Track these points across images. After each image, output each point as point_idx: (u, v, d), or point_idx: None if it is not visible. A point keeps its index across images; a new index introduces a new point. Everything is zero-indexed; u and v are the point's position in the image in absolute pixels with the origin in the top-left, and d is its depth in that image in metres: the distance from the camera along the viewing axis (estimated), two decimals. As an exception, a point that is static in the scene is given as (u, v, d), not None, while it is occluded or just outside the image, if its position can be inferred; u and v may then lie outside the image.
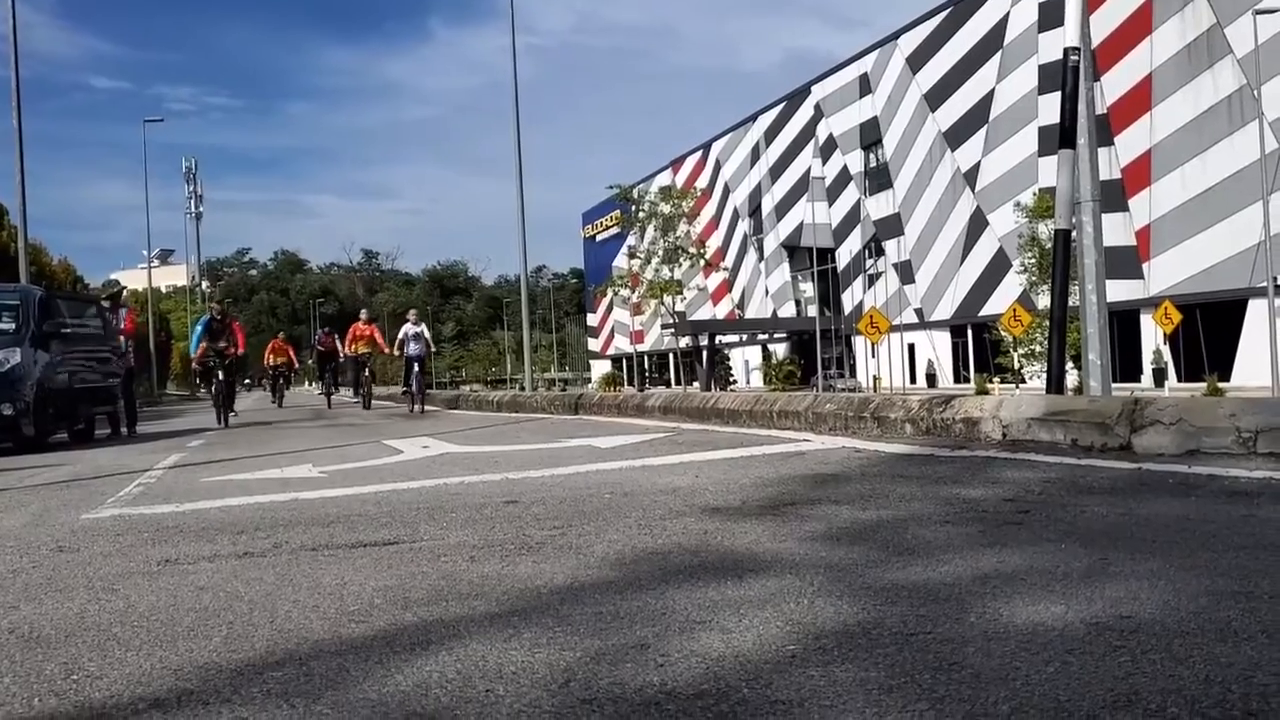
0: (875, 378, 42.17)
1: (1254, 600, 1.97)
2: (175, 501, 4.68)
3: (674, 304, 48.00)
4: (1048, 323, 8.02)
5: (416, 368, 16.91)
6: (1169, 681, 1.53)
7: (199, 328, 14.33)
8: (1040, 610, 1.97)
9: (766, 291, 58.09)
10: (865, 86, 49.49)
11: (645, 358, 68.96)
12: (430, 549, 3.01)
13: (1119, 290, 30.20)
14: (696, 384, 46.54)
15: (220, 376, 13.87)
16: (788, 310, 56.08)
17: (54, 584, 2.79)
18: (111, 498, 5.00)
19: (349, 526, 3.57)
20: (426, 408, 16.87)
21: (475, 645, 1.91)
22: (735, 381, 55.60)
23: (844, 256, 50.92)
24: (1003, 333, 33.01)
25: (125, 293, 18.22)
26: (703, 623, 1.99)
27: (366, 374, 18.71)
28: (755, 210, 58.83)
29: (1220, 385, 28.82)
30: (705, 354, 49.84)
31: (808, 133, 54.06)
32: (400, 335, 17.06)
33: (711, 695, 1.57)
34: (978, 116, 42.12)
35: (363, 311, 19.54)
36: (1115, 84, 34.95)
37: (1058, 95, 7.65)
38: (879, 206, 48.53)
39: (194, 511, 4.28)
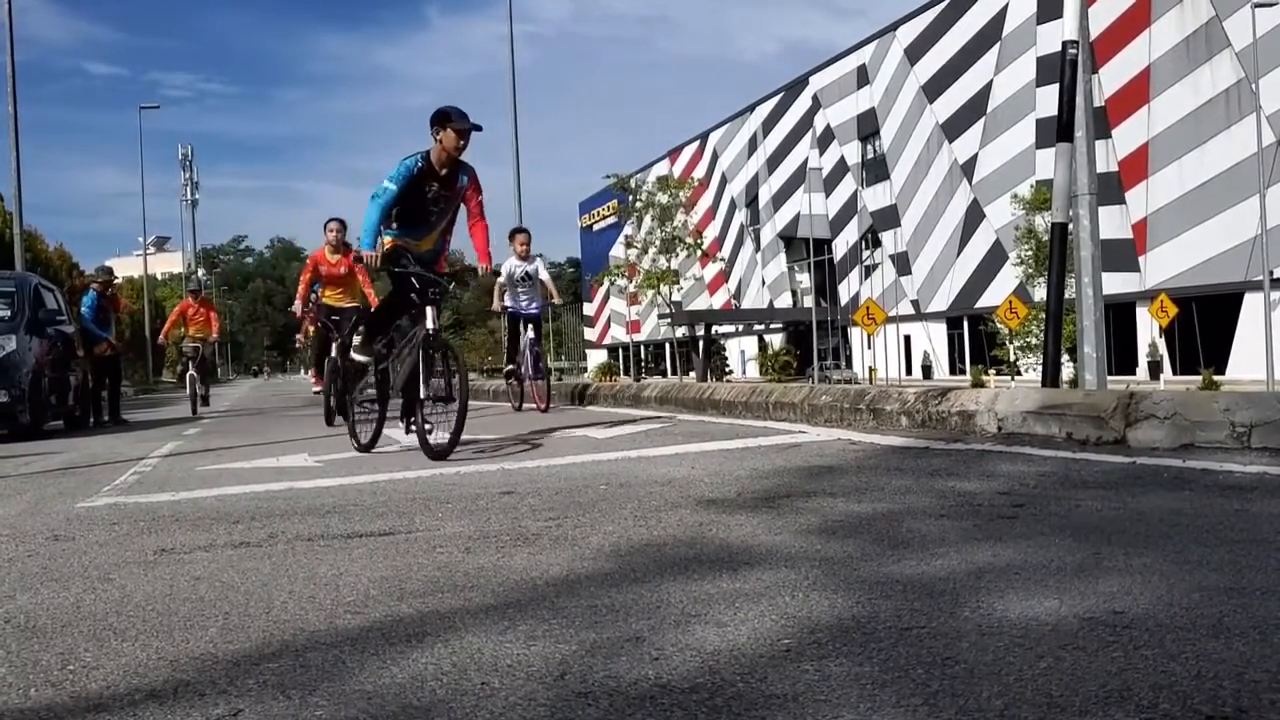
0: (871, 369, 42.20)
1: (1246, 596, 1.98)
2: (171, 490, 4.68)
3: (670, 294, 47.98)
4: (1044, 315, 8.02)
5: (530, 333, 10.09)
6: (1161, 677, 1.54)
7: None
8: (1034, 605, 1.98)
9: (763, 282, 58.09)
10: (863, 77, 49.41)
11: (641, 347, 68.95)
12: (426, 540, 3.01)
13: (1115, 283, 30.24)
14: (693, 374, 46.55)
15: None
16: (784, 301, 56.10)
17: (50, 573, 2.79)
18: (107, 486, 5.00)
19: (345, 516, 3.57)
20: (557, 405, 10.62)
21: (471, 637, 1.92)
22: (731, 372, 55.62)
23: (841, 247, 50.90)
24: (999, 325, 33.04)
25: (119, 280, 17.20)
26: (697, 616, 2.00)
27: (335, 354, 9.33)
28: (752, 201, 58.79)
29: (1216, 378, 28.88)
30: (701, 344, 49.84)
31: (805, 123, 53.99)
32: (501, 278, 9.94)
33: (706, 689, 1.58)
34: (976, 108, 42.09)
35: (330, 225, 9.87)
36: (1113, 77, 34.93)
37: (1056, 88, 7.65)
38: (876, 198, 48.50)
39: (190, 500, 4.28)
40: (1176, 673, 1.56)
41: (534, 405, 10.08)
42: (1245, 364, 30.46)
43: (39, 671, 1.85)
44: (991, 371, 36.70)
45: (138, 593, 2.47)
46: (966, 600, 2.03)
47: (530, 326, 10.29)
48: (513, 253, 10.42)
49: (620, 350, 71.53)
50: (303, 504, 3.96)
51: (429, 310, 5.71)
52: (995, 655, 1.67)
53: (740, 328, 58.18)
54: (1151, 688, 1.50)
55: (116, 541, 3.28)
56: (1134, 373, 33.82)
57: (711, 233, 59.50)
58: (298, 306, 10.12)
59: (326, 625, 2.08)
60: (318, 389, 10.25)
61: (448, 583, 2.41)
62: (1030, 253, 33.99)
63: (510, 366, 10.68)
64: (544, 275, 10.52)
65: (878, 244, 48.45)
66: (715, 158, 62.78)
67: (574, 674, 1.68)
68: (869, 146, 49.69)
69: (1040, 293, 28.08)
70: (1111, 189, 32.62)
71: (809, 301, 51.06)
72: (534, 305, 10.39)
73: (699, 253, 48.49)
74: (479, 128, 5.76)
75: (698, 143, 65.10)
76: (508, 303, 10.35)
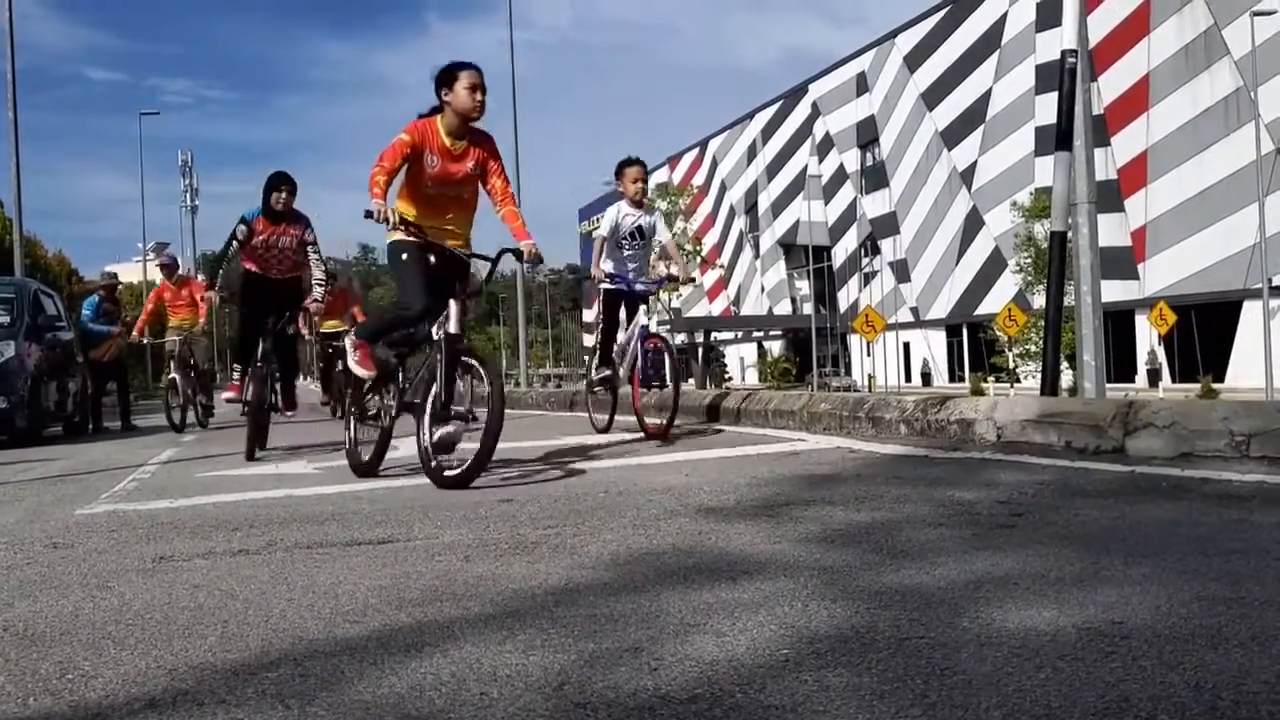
0: (870, 376, 42.21)
1: (1245, 606, 1.98)
2: (170, 497, 4.68)
3: (670, 301, 48.05)
4: (1043, 323, 8.03)
5: (643, 317, 6.90)
6: (1159, 688, 1.54)
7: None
8: (1033, 615, 1.98)
9: (762, 289, 58.16)
10: (862, 85, 49.51)
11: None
12: (425, 548, 3.01)
13: (1114, 291, 30.26)
14: (692, 381, 46.58)
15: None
16: (783, 308, 56.16)
17: (48, 581, 2.79)
18: (106, 493, 5.00)
19: (343, 524, 3.57)
20: (677, 422, 6.88)
21: (470, 647, 1.92)
22: (730, 379, 55.64)
23: (840, 254, 50.98)
24: (998, 332, 33.07)
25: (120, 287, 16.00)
26: (696, 626, 2.00)
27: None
28: (751, 208, 58.88)
29: (1215, 386, 28.91)
30: (701, 351, 49.87)
31: (804, 131, 54.09)
32: (601, 229, 7.05)
33: (705, 700, 1.58)
34: (975, 116, 42.17)
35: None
36: (1112, 85, 35.01)
37: (1055, 95, 7.66)
38: (875, 205, 48.57)
39: (189, 507, 4.28)
40: (1175, 684, 1.56)
41: (656, 423, 6.71)
42: (1244, 372, 30.48)
43: (37, 680, 1.84)
44: (990, 379, 36.70)
45: (136, 601, 2.47)
46: (965, 610, 2.03)
47: (643, 307, 6.97)
48: (624, 195, 7.00)
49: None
50: (301, 511, 3.96)
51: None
52: (994, 666, 1.67)
53: (739, 334, 58.25)
54: (1150, 699, 1.50)
55: (115, 549, 3.28)
56: (1133, 380, 33.84)
57: (711, 239, 59.56)
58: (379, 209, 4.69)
59: (325, 634, 2.08)
60: (234, 397, 7.18)
61: (447, 591, 2.41)
62: (1029, 260, 34.05)
63: (604, 372, 7.05)
64: (664, 235, 7.12)
65: (877, 251, 48.51)
66: (715, 165, 62.88)
67: (573, 684, 1.67)
68: (868, 154, 49.79)
69: (1039, 300, 28.11)
70: (1110, 196, 32.66)
71: (808, 308, 51.09)
72: (647, 283, 7.14)
73: (698, 259, 48.58)
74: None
75: (697, 149, 65.22)
76: (608, 268, 6.94)
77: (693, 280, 7.93)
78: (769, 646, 1.84)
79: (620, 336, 6.97)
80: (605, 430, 7.32)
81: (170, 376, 11.32)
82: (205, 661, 1.92)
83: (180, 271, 12.29)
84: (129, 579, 2.76)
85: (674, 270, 7.37)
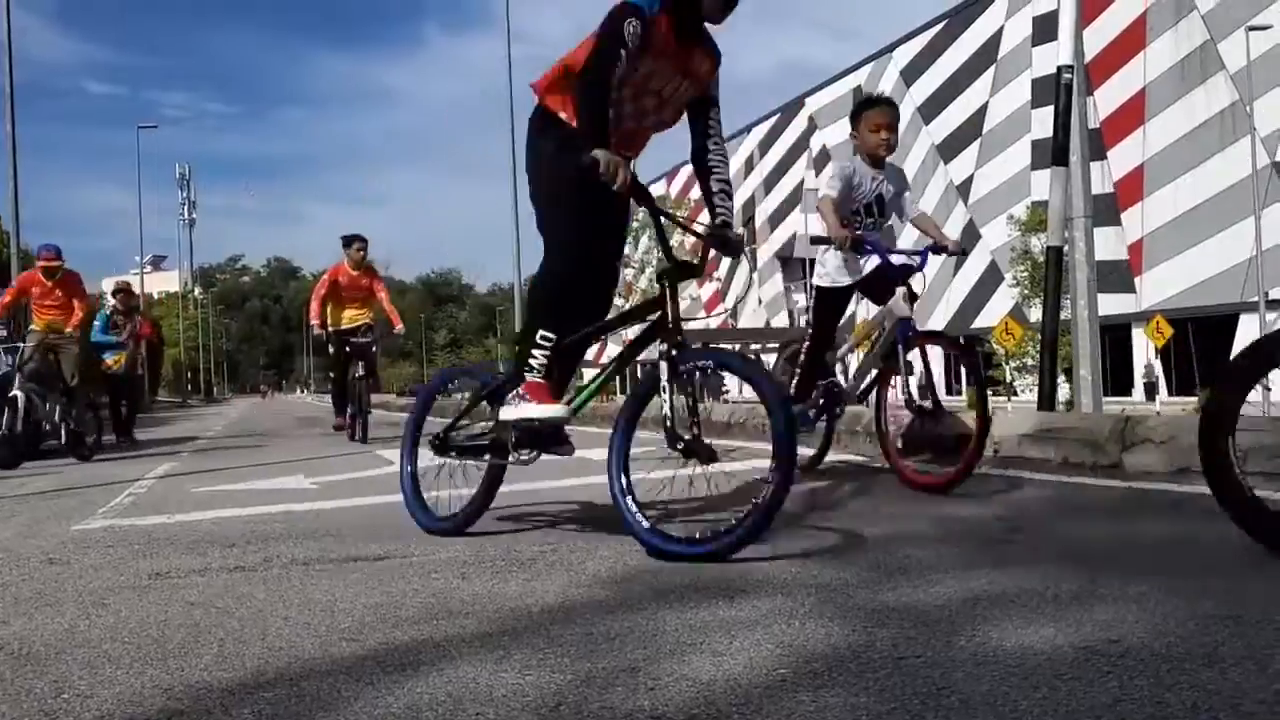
0: (868, 389, 42.20)
1: (1241, 624, 1.98)
2: (167, 513, 4.67)
3: (667, 313, 48.06)
4: (1039, 336, 8.03)
5: (904, 306, 4.69)
6: (1156, 708, 1.54)
7: None
8: (1030, 633, 1.98)
9: (760, 301, 58.19)
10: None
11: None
12: (422, 565, 3.01)
13: (1111, 304, 30.31)
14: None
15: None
16: (781, 320, 56.16)
17: (44, 598, 2.78)
18: (103, 508, 4.99)
19: (340, 540, 3.56)
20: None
21: (466, 666, 1.92)
22: (728, 391, 55.57)
23: (837, 268, 51.02)
24: (995, 346, 33.07)
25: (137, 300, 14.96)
26: (693, 645, 1.99)
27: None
28: (749, 220, 58.94)
29: (1211, 399, 28.87)
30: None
31: (801, 144, 54.23)
32: (826, 188, 4.67)
33: (702, 720, 1.58)
34: (971, 129, 42.28)
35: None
36: (1109, 99, 35.13)
37: (1051, 109, 7.68)
38: (872, 218, 48.64)
39: (185, 523, 4.27)
40: (1171, 703, 1.56)
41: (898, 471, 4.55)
42: (1241, 385, 30.43)
43: (32, 700, 1.84)
44: (988, 393, 36.70)
45: (132, 618, 2.47)
46: (962, 628, 2.03)
47: (899, 292, 4.79)
48: (854, 149, 4.92)
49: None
50: (298, 527, 3.95)
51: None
52: (991, 685, 1.67)
53: (737, 347, 58.20)
54: (1147, 719, 1.50)
55: (111, 565, 3.27)
56: (1130, 394, 33.84)
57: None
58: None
59: (322, 653, 2.07)
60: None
61: (443, 609, 2.41)
62: (1025, 273, 34.08)
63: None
64: (911, 205, 5.10)
65: (874, 264, 48.55)
66: (712, 178, 62.97)
67: (569, 705, 1.67)
68: (865, 167, 49.86)
69: (1036, 313, 28.14)
70: (1107, 210, 32.74)
71: (805, 321, 51.10)
72: (887, 263, 4.78)
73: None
74: None
75: (695, 163, 65.33)
76: (831, 257, 4.94)
77: (965, 252, 5.73)
78: (766, 666, 1.84)
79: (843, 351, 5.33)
80: (807, 469, 5.12)
81: (15, 393, 8.43)
82: (201, 681, 1.91)
83: (66, 268, 9.35)
84: (125, 596, 2.75)
85: (944, 239, 5.05)
